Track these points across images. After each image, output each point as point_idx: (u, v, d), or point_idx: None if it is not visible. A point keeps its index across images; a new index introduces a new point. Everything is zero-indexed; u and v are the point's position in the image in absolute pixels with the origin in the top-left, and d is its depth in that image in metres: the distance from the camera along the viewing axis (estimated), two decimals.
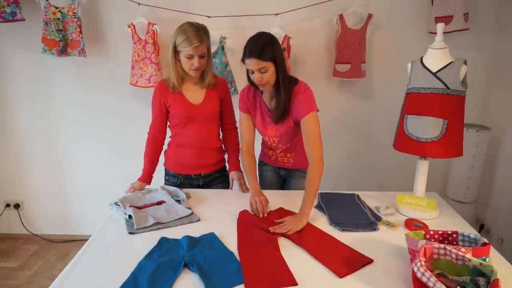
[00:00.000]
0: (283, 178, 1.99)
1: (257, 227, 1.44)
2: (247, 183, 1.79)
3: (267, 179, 2.01)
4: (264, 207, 1.56)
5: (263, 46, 1.53)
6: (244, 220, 1.51)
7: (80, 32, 2.37)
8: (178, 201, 1.67)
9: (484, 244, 1.12)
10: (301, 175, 1.90)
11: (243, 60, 1.58)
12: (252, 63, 1.53)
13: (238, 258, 1.26)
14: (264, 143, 1.93)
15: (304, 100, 1.62)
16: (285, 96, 1.62)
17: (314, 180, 1.53)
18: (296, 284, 1.12)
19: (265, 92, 1.71)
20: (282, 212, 1.58)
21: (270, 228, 1.42)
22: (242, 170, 1.84)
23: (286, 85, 1.62)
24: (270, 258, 1.25)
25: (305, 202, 1.50)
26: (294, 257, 1.27)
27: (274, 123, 1.72)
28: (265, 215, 1.54)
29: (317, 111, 1.63)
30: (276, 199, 1.71)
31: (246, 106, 1.77)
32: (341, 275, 1.17)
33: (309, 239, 1.36)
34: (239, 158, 1.86)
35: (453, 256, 1.05)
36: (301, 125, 1.63)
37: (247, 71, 1.63)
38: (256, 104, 1.76)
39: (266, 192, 1.82)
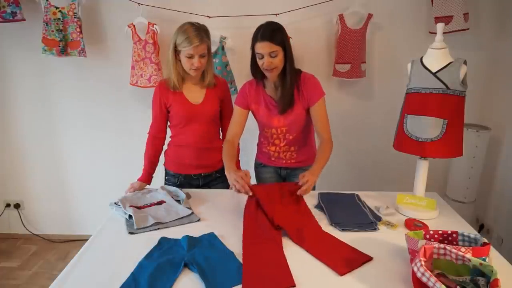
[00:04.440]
0: (283, 178, 1.98)
1: (264, 220, 1.43)
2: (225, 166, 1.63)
3: (266, 181, 1.97)
4: (245, 179, 1.49)
5: (274, 30, 1.60)
6: (251, 212, 1.49)
7: (80, 32, 2.37)
8: (178, 201, 1.67)
9: (484, 244, 1.12)
10: None
11: (253, 46, 1.63)
12: (264, 46, 1.57)
13: (238, 257, 1.26)
14: (263, 142, 1.90)
15: (315, 85, 1.71)
16: (291, 84, 1.67)
17: (326, 153, 1.65)
18: (294, 286, 1.12)
19: (269, 84, 1.73)
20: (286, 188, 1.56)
21: (298, 192, 1.48)
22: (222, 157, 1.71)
23: (293, 73, 1.67)
24: (273, 258, 1.25)
25: (319, 164, 1.58)
26: (294, 256, 1.27)
27: (280, 112, 1.73)
28: (249, 193, 1.48)
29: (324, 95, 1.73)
30: None
31: (246, 101, 1.78)
32: (341, 273, 1.17)
33: (309, 238, 1.36)
34: (224, 149, 1.74)
35: (453, 256, 1.05)
36: (314, 109, 1.70)
37: (252, 60, 1.67)
38: (259, 97, 1.77)
39: None
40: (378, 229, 1.46)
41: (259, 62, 1.63)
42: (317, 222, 1.48)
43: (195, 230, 1.43)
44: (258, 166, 2.01)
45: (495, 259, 1.20)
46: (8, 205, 2.94)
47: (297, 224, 1.44)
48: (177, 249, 1.30)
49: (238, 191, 1.49)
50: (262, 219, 1.44)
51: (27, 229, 2.99)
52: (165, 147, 1.94)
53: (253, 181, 2.00)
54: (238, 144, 1.84)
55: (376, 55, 2.54)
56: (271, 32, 1.58)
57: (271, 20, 1.70)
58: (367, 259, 1.25)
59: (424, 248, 1.07)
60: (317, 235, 1.40)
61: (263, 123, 1.81)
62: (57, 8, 2.33)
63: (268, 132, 1.83)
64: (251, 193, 1.49)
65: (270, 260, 1.24)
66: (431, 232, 1.20)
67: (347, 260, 1.23)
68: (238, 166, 1.91)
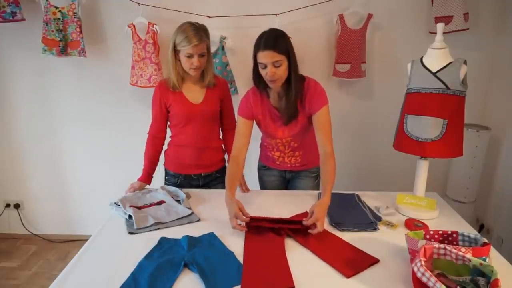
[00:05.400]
0: (288, 181, 1.96)
1: (267, 230, 1.42)
2: (225, 195, 1.53)
3: (269, 183, 1.95)
4: (246, 215, 1.41)
5: (277, 38, 1.50)
6: (253, 229, 1.44)
7: (80, 32, 2.37)
8: (178, 201, 1.67)
9: (484, 244, 1.12)
10: (308, 175, 1.88)
11: (255, 56, 1.54)
12: (267, 56, 1.48)
13: (238, 258, 1.26)
14: (267, 147, 1.87)
15: (318, 93, 1.61)
16: (295, 94, 1.59)
17: (333, 172, 1.54)
18: (293, 286, 1.11)
19: (273, 93, 1.67)
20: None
21: (309, 231, 1.36)
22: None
23: (298, 83, 1.59)
24: (274, 259, 1.25)
25: (329, 193, 1.47)
26: (297, 258, 1.27)
27: (284, 124, 1.67)
28: (244, 224, 1.40)
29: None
30: (284, 200, 1.72)
31: (251, 112, 1.69)
32: (347, 276, 1.17)
33: (315, 240, 1.36)
34: (228, 168, 1.68)
35: (453, 256, 1.05)
36: (316, 118, 1.61)
37: (254, 69, 1.59)
38: (264, 108, 1.69)
39: (272, 193, 1.83)
40: (378, 229, 1.46)
41: (262, 72, 1.54)
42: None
43: (195, 230, 1.43)
44: (261, 168, 1.98)
45: (495, 259, 1.20)
46: (8, 205, 2.94)
47: (302, 227, 1.42)
48: (177, 249, 1.30)
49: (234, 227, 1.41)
50: (265, 230, 1.42)
51: (26, 229, 2.98)
52: (165, 147, 1.94)
53: (256, 183, 2.01)
54: (245, 157, 1.69)
55: (376, 55, 2.54)
56: (274, 40, 1.49)
57: (271, 22, 1.66)
58: (374, 261, 1.24)
59: (424, 248, 1.07)
60: (323, 237, 1.39)
61: (268, 134, 1.76)
62: (57, 8, 2.33)
63: (272, 141, 1.79)
64: (244, 225, 1.40)
65: (271, 260, 1.24)
66: (431, 232, 1.20)
67: (354, 262, 1.23)
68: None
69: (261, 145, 1.95)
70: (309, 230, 1.37)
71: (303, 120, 1.67)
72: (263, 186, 1.99)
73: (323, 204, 1.43)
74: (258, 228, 1.42)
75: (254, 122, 1.74)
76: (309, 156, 1.82)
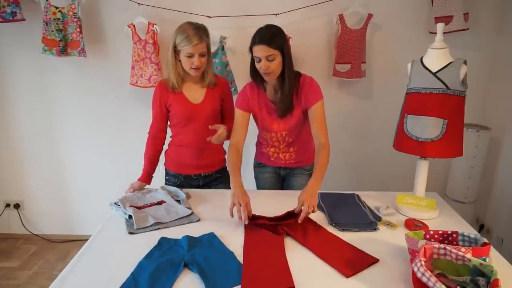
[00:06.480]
0: (283, 178, 1.98)
1: (266, 230, 1.43)
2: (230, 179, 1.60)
3: (265, 180, 1.97)
4: (249, 211, 1.46)
5: (272, 34, 1.58)
6: (253, 228, 1.46)
7: (80, 32, 2.37)
8: (178, 201, 1.67)
9: (484, 244, 1.12)
10: (303, 173, 1.90)
11: (251, 49, 1.61)
12: (261, 50, 1.56)
13: (238, 258, 1.26)
14: (262, 143, 1.90)
15: (314, 89, 1.68)
16: (289, 88, 1.65)
17: (325, 158, 1.59)
18: (293, 286, 1.11)
19: (269, 87, 1.72)
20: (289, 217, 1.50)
21: (299, 220, 1.40)
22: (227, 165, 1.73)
23: (291, 77, 1.65)
24: (273, 259, 1.25)
25: (316, 177, 1.52)
26: (297, 257, 1.27)
27: (280, 117, 1.72)
28: (246, 222, 1.43)
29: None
30: (280, 199, 1.72)
31: (248, 104, 1.75)
32: (347, 275, 1.17)
33: (315, 240, 1.36)
34: (228, 155, 1.73)
35: (453, 256, 1.05)
36: (311, 111, 1.67)
37: (251, 64, 1.66)
38: (260, 101, 1.75)
39: (268, 193, 1.83)
40: (378, 229, 1.46)
41: (257, 66, 1.62)
42: (321, 227, 1.47)
43: (195, 230, 1.43)
44: (257, 165, 2.00)
45: (495, 259, 1.20)
46: (8, 205, 2.94)
47: (302, 226, 1.43)
48: (177, 249, 1.30)
49: (232, 215, 1.46)
50: (264, 230, 1.43)
51: (26, 229, 2.98)
52: (165, 147, 1.94)
53: (252, 180, 2.01)
54: (243, 146, 1.75)
55: (376, 55, 2.54)
56: (269, 36, 1.56)
57: (271, 22, 1.68)
58: (373, 261, 1.24)
59: (424, 248, 1.07)
60: (322, 236, 1.39)
61: (263, 127, 1.80)
62: (57, 8, 2.33)
63: (267, 135, 1.82)
64: (247, 222, 1.43)
65: (270, 260, 1.24)
66: (431, 232, 1.20)
67: (353, 262, 1.23)
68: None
69: (257, 143, 1.97)
70: (298, 220, 1.40)
71: (298, 114, 1.71)
72: (259, 184, 2.01)
73: (309, 188, 1.47)
74: (257, 227, 1.43)
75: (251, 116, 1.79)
76: (303, 153, 1.85)
